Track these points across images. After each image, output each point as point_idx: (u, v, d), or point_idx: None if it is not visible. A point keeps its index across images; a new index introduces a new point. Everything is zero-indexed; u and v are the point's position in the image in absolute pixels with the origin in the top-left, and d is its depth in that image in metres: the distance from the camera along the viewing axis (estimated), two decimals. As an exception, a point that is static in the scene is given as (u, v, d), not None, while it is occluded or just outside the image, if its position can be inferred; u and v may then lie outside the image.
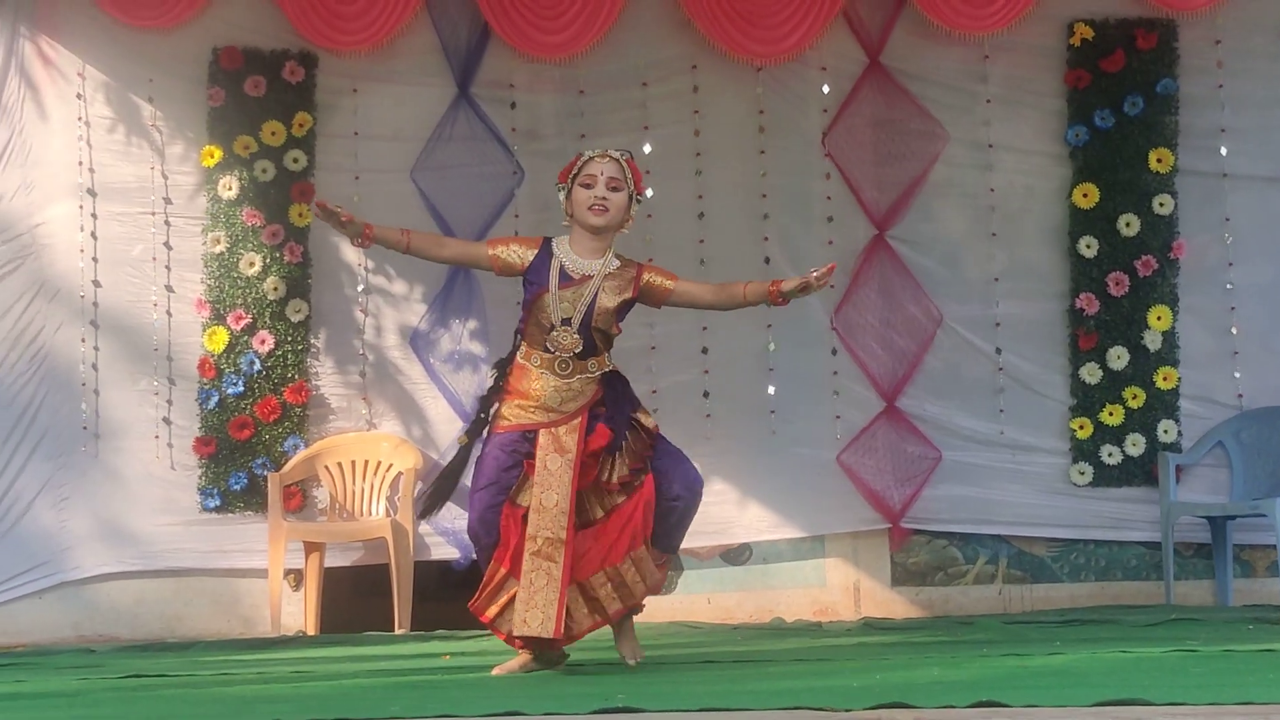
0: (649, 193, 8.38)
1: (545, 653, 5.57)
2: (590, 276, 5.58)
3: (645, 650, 5.81)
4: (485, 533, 5.52)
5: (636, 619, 5.78)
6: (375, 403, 8.42)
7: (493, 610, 5.52)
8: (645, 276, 5.66)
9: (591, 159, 5.61)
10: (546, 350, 5.55)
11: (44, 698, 4.83)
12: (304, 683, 5.23)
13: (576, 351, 5.55)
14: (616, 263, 5.64)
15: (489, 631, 7.54)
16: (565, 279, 5.57)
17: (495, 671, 5.50)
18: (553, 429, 5.51)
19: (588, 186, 5.58)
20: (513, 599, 5.46)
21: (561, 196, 5.68)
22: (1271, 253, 8.38)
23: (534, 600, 5.39)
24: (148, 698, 4.77)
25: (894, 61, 8.41)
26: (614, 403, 5.59)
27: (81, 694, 4.97)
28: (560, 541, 5.41)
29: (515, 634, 5.44)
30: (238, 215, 8.32)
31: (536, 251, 5.62)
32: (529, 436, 5.52)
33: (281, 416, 8.28)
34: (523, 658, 5.57)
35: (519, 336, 5.67)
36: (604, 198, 5.56)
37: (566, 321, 5.54)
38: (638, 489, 5.54)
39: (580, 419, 5.53)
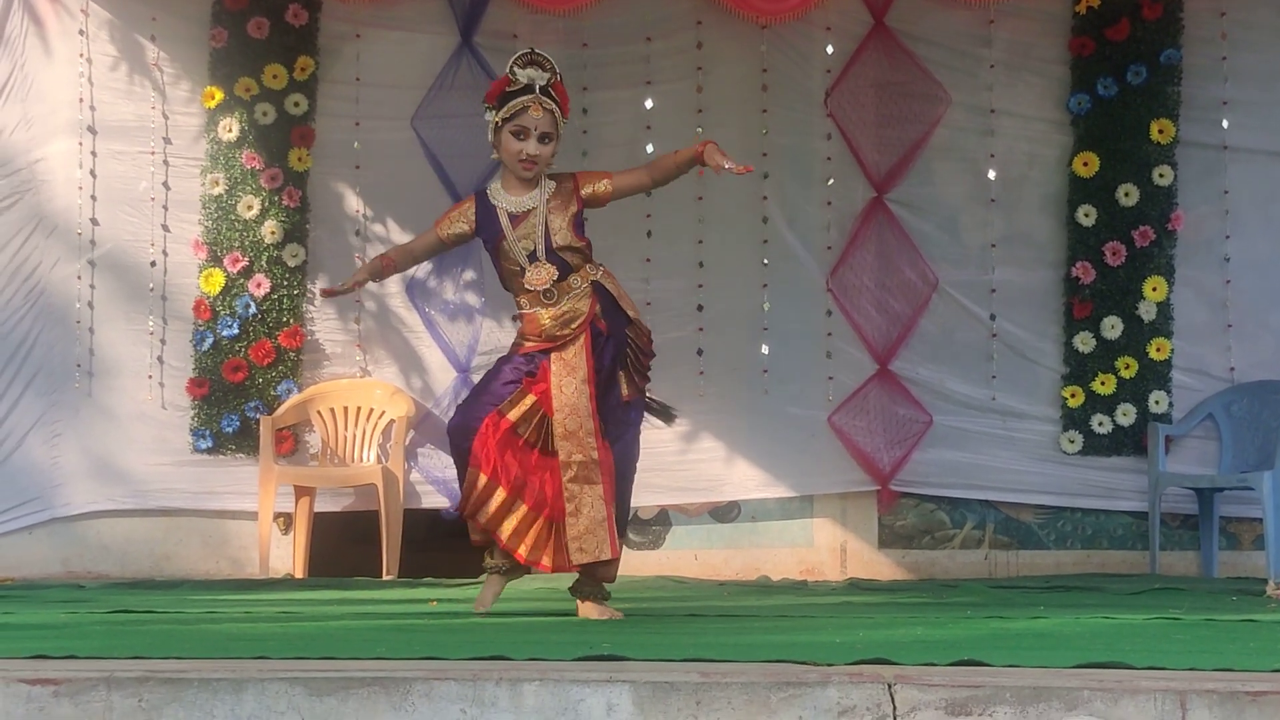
0: (649, 148, 8.39)
1: (514, 569, 5.64)
2: (534, 208, 5.62)
3: (631, 602, 5.85)
4: (464, 437, 5.56)
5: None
6: (370, 350, 8.43)
7: (483, 518, 5.52)
8: (584, 187, 5.69)
9: (526, 108, 5.58)
10: (528, 290, 5.59)
11: (33, 629, 4.86)
12: (291, 623, 5.25)
13: (555, 280, 5.58)
14: (552, 184, 5.68)
15: (478, 579, 7.59)
16: (515, 219, 5.63)
17: (478, 608, 5.56)
18: (560, 352, 5.54)
19: (519, 136, 5.59)
20: (502, 505, 5.49)
21: (488, 116, 5.67)
22: (1269, 227, 8.39)
23: (584, 528, 5.46)
24: (136, 632, 4.79)
25: (899, 23, 8.39)
26: (610, 313, 5.64)
27: (70, 626, 4.99)
28: (594, 462, 5.47)
29: (574, 562, 5.50)
30: (237, 157, 8.31)
31: (475, 208, 5.69)
32: (533, 357, 5.58)
33: (276, 360, 8.29)
34: (491, 583, 5.64)
35: (506, 289, 5.76)
36: (535, 155, 5.59)
37: (533, 256, 5.58)
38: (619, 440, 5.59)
39: (584, 336, 5.56)
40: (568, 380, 5.52)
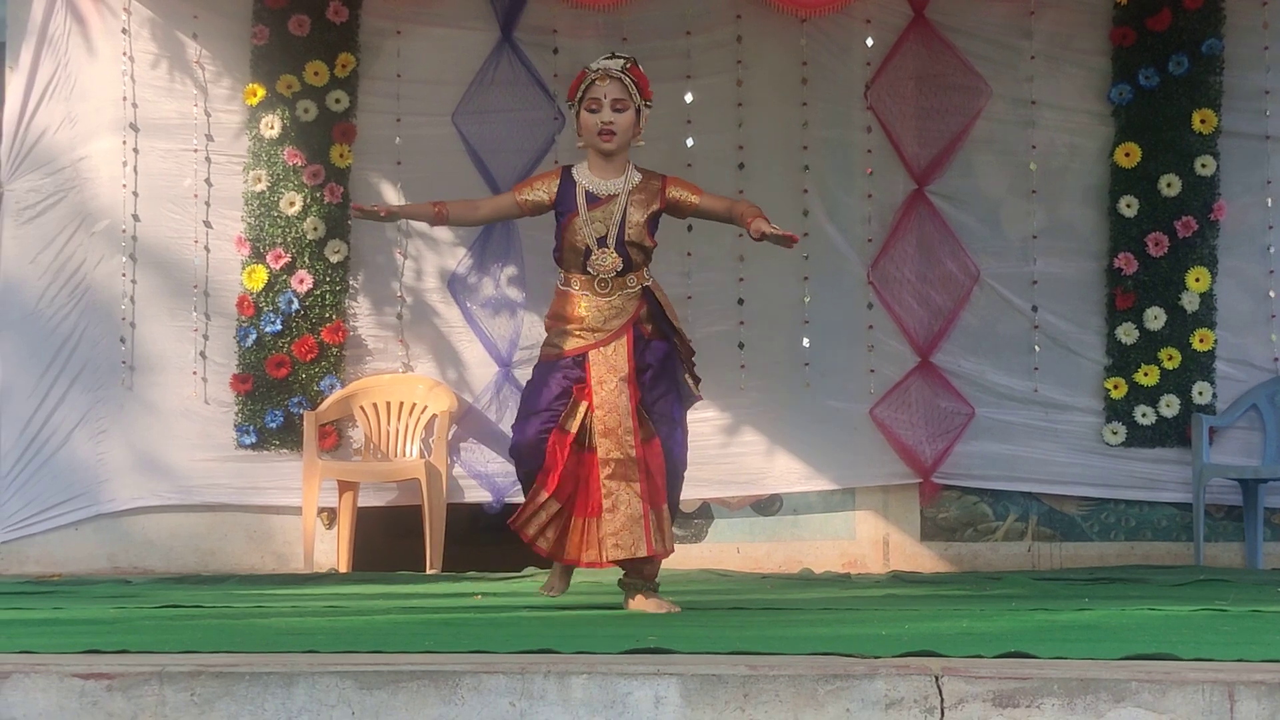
0: (689, 142, 8.41)
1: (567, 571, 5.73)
2: (616, 195, 5.62)
3: (675, 595, 5.86)
4: (532, 457, 5.57)
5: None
6: (412, 345, 8.46)
7: (532, 530, 5.56)
8: (670, 191, 5.69)
9: (594, 81, 5.59)
10: (586, 272, 5.59)
11: (84, 624, 4.90)
12: (338, 617, 5.28)
13: (618, 270, 5.58)
14: (639, 176, 5.68)
15: (521, 573, 7.63)
16: (593, 200, 5.61)
17: (542, 590, 5.71)
18: (601, 348, 5.56)
19: (593, 110, 5.58)
20: (553, 519, 5.55)
21: (572, 114, 5.70)
22: (1312, 217, 8.35)
23: (620, 524, 5.48)
24: (185, 627, 4.82)
25: (939, 15, 8.38)
26: (656, 319, 5.65)
27: (120, 621, 5.03)
28: (632, 460, 5.49)
29: (608, 558, 5.53)
30: (279, 154, 8.35)
31: (559, 181, 5.68)
32: (578, 360, 5.58)
33: (319, 356, 8.33)
34: (559, 570, 5.71)
35: (558, 264, 5.71)
36: (610, 122, 5.57)
37: (602, 242, 5.58)
38: (656, 437, 5.60)
39: (626, 335, 5.58)
40: (608, 377, 5.54)
